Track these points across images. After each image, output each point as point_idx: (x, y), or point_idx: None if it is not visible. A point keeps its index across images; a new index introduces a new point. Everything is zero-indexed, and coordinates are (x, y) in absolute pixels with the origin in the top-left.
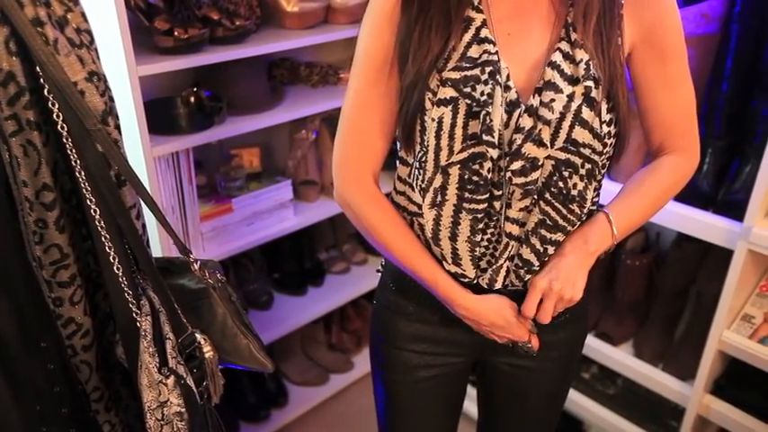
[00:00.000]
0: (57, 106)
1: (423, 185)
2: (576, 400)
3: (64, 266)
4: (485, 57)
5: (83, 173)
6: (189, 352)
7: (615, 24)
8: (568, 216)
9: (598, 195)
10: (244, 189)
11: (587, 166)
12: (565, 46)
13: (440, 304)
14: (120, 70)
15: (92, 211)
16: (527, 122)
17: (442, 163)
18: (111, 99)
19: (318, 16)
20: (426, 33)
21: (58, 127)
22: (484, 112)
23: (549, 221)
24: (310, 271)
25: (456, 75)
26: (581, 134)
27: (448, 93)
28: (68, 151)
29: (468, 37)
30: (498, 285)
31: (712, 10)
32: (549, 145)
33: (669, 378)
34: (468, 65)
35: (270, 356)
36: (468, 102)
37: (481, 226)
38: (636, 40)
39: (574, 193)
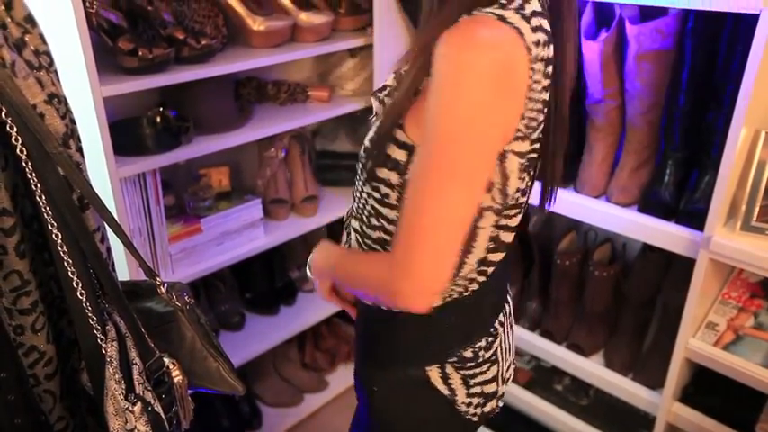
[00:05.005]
0: (15, 129)
1: None
2: (550, 412)
3: (25, 293)
4: None
5: (44, 197)
6: (157, 377)
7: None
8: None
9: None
10: (213, 209)
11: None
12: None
13: None
14: (84, 91)
15: (53, 235)
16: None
17: None
18: (73, 121)
19: (285, 35)
20: None
21: (17, 151)
22: None
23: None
24: (282, 290)
25: None
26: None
27: None
28: (28, 175)
29: None
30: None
31: (667, 26)
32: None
33: (639, 387)
34: None
35: (242, 378)
36: None
37: None
38: None
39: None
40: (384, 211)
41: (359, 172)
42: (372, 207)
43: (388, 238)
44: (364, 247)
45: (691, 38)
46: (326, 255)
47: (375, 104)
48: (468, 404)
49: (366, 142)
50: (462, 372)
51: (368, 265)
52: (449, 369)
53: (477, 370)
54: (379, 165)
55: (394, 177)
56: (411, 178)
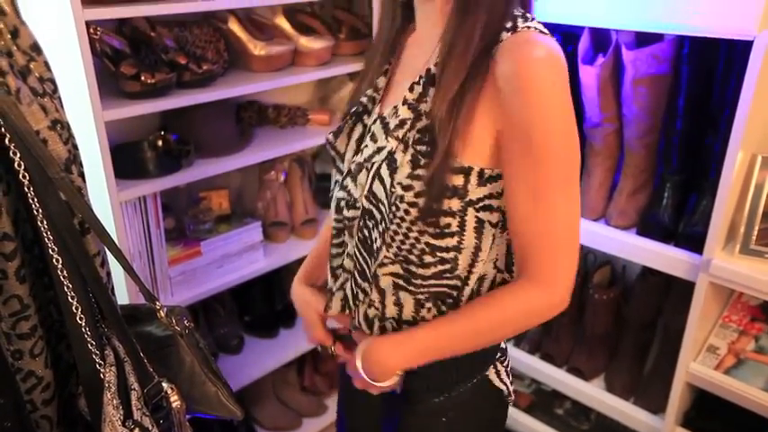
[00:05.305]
0: (18, 155)
1: None
2: None
3: (24, 318)
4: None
5: (45, 221)
6: (155, 402)
7: (464, 98)
8: (370, 268)
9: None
10: (213, 232)
11: (382, 222)
12: (409, 96)
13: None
14: (86, 115)
15: (54, 260)
16: (356, 159)
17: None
18: (75, 147)
19: (285, 59)
20: None
21: (20, 176)
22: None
23: (358, 267)
24: (281, 313)
25: None
26: (378, 188)
27: None
28: (30, 200)
29: None
30: (333, 311)
31: (662, 51)
32: (363, 189)
33: (640, 412)
34: None
35: (241, 402)
36: None
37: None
38: (500, 127)
39: (374, 245)
40: (443, 242)
41: (400, 215)
42: (427, 243)
43: (446, 267)
44: (411, 288)
45: (686, 63)
46: (396, 347)
47: (391, 143)
48: (513, 391)
49: (404, 181)
50: (504, 363)
51: (497, 310)
52: (498, 365)
53: (507, 357)
54: (440, 198)
55: (455, 204)
56: (523, 198)
